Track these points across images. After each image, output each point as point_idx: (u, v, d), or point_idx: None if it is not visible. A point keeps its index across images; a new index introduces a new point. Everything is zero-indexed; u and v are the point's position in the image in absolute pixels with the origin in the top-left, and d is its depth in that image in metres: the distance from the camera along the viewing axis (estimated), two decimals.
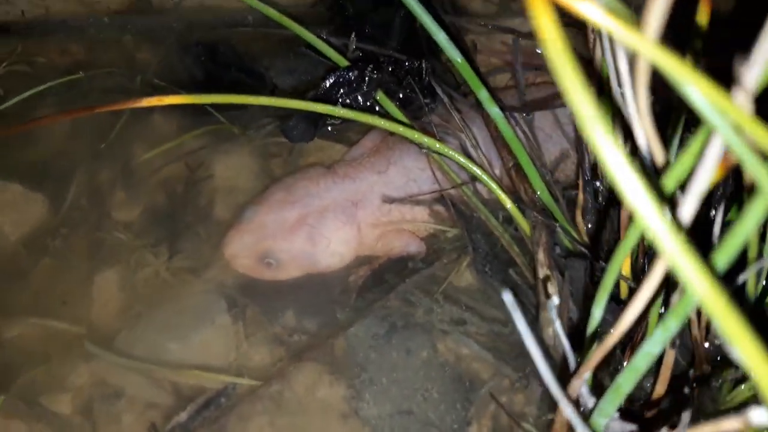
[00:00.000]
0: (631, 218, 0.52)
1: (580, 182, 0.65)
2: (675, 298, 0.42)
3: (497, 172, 0.72)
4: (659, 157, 0.41)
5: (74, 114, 0.62)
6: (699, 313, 0.51)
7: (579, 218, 0.66)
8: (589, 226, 0.65)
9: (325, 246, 0.72)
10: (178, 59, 0.85)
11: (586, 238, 0.66)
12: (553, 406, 0.60)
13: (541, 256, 0.64)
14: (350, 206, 0.73)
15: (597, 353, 0.41)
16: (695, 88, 0.24)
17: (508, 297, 0.39)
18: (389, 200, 0.73)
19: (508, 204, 0.66)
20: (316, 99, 0.74)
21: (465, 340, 0.67)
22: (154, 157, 0.82)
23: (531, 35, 0.85)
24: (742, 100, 0.30)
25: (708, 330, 0.52)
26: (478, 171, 0.68)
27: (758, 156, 0.28)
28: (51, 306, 0.71)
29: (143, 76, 0.85)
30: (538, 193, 0.68)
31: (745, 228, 0.28)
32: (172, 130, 0.82)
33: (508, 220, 0.71)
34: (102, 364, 0.68)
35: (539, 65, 0.83)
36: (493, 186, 0.68)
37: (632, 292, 0.58)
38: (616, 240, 0.63)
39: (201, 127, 0.80)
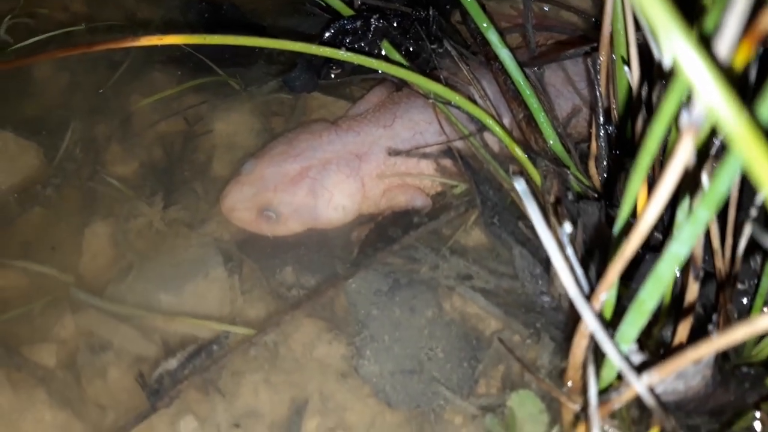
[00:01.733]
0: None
1: (593, 129, 0.62)
2: (702, 192, 0.39)
3: (507, 123, 0.69)
4: None
5: (72, 51, 0.60)
6: (723, 240, 0.47)
7: (592, 167, 0.63)
8: (604, 175, 0.62)
9: (327, 199, 0.69)
10: (181, 16, 0.83)
11: (599, 186, 0.62)
12: (565, 354, 0.56)
13: (551, 201, 0.61)
14: (354, 159, 0.70)
15: (619, 259, 0.37)
16: None
17: (520, 185, 0.35)
18: (395, 153, 0.70)
19: (518, 152, 0.63)
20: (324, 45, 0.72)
21: (472, 294, 0.63)
22: (152, 111, 0.79)
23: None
24: None
25: (733, 262, 0.48)
26: (487, 119, 0.65)
27: None
28: (39, 254, 0.68)
29: (145, 32, 0.83)
30: (550, 142, 0.65)
31: None
32: (171, 85, 0.79)
33: (519, 173, 0.68)
34: (89, 315, 0.65)
35: (549, 26, 0.81)
36: (502, 133, 0.65)
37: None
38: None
39: (203, 87, 0.78)
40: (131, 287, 0.66)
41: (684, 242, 0.34)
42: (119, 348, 0.63)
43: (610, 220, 0.59)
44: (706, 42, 0.32)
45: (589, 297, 0.41)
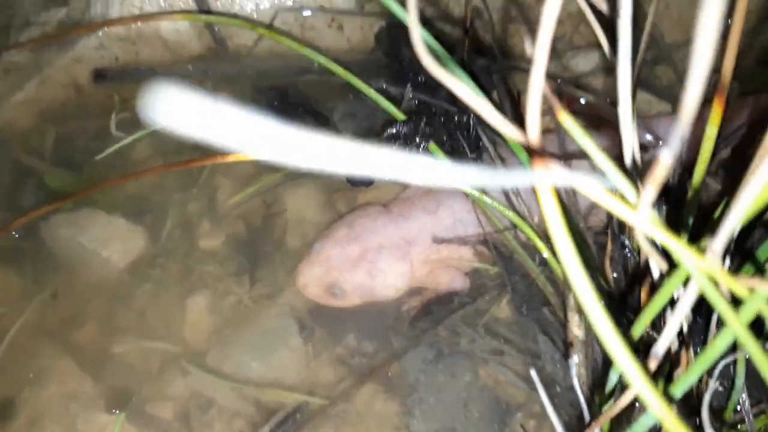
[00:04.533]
0: (650, 291, 0.61)
1: (610, 234, 0.73)
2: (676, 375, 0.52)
3: (536, 219, 0.81)
4: None
5: (173, 167, 0.74)
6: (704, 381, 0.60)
7: (607, 266, 0.75)
8: (615, 275, 0.74)
9: (382, 279, 0.83)
10: (253, 102, 0.96)
11: (612, 285, 0.74)
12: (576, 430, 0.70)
13: (571, 301, 0.73)
14: (404, 244, 0.83)
15: (600, 420, 0.51)
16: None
17: (534, 374, 0.49)
18: (439, 240, 0.83)
19: (545, 253, 0.75)
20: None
21: (502, 369, 0.77)
22: (233, 189, 0.94)
23: (572, 80, 0.93)
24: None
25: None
26: (517, 219, 0.77)
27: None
28: (151, 326, 0.84)
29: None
30: None
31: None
32: (250, 168, 0.93)
33: (544, 261, 0.80)
34: (196, 379, 0.81)
35: (580, 111, 0.90)
36: (531, 233, 0.77)
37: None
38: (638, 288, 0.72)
39: (278, 170, 0.91)
40: (228, 355, 0.82)
41: (650, 418, 0.47)
42: (221, 406, 0.80)
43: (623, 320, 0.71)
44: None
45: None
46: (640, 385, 0.37)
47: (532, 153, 0.37)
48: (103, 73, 1.00)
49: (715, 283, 0.41)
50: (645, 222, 0.38)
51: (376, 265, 0.82)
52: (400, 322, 0.84)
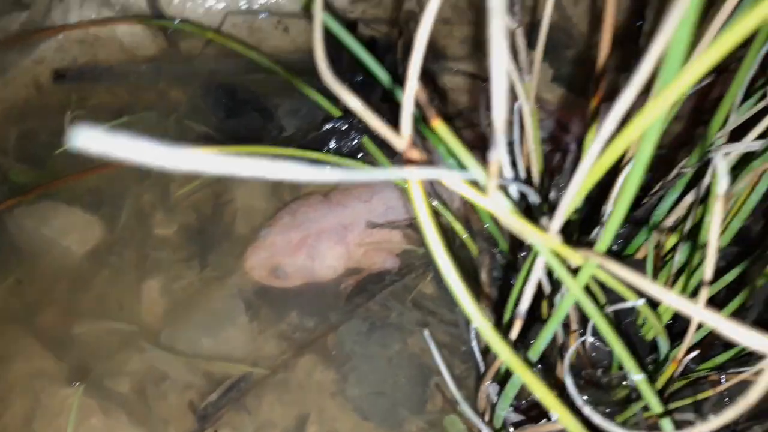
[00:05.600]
0: None
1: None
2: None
3: (456, 205, 0.90)
4: None
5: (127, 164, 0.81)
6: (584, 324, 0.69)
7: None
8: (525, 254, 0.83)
9: (321, 261, 0.91)
10: (203, 100, 1.03)
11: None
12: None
13: (483, 275, 0.82)
14: (342, 229, 0.92)
15: (486, 376, 0.60)
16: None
17: (427, 334, 0.57)
18: (372, 225, 0.91)
19: (464, 235, 0.84)
20: (315, 141, 0.93)
21: (427, 338, 0.86)
22: (185, 180, 1.01)
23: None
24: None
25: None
26: (440, 206, 0.86)
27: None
28: (109, 308, 0.92)
29: (176, 114, 1.03)
30: (486, 225, 0.86)
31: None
32: None
33: (464, 244, 0.89)
34: (151, 355, 0.89)
35: None
36: (450, 217, 0.86)
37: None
38: None
39: None
40: (181, 333, 0.90)
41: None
42: (174, 378, 0.88)
43: None
44: None
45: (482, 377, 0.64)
46: (499, 349, 0.45)
47: (404, 154, 0.45)
48: (62, 73, 1.06)
49: (560, 257, 0.50)
50: (493, 206, 0.46)
51: (316, 249, 0.91)
52: (338, 299, 0.92)
